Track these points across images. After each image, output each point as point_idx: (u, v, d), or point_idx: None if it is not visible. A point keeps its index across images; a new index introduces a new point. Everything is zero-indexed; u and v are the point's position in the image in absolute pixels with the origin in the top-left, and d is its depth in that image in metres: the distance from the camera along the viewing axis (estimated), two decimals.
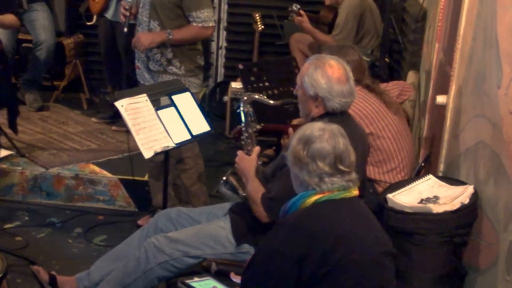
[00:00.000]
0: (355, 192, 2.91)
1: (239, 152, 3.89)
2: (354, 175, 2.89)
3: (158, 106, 4.28)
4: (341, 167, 2.83)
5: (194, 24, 4.96)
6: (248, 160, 3.81)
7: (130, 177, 5.30)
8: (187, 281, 3.36)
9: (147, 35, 4.97)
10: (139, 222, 5.23)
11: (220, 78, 8.22)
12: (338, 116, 3.53)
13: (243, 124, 4.06)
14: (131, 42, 5.08)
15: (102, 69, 7.42)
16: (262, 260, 2.81)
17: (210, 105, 7.68)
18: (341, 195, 2.84)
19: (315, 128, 2.89)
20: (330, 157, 2.82)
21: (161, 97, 4.36)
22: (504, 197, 3.02)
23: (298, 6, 6.59)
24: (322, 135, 2.85)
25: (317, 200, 2.83)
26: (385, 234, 2.95)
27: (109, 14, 6.77)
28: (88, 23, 7.40)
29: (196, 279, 3.41)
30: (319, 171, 2.82)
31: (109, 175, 5.75)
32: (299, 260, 2.70)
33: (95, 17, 7.10)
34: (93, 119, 7.06)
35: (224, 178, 4.11)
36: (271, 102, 4.07)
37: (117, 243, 4.29)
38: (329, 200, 2.83)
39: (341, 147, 2.84)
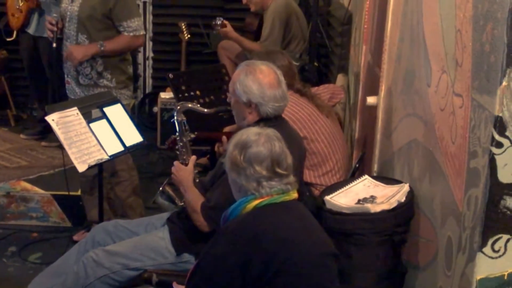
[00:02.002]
0: (295, 195, 2.92)
1: (176, 163, 3.86)
2: (292, 178, 2.91)
3: (89, 119, 4.26)
4: (279, 170, 2.85)
5: (126, 33, 4.92)
6: (185, 170, 3.79)
7: (64, 193, 5.22)
8: None
9: (79, 48, 4.89)
10: (75, 237, 5.16)
11: (148, 89, 8.18)
12: (272, 121, 3.54)
13: (177, 134, 4.04)
14: (60, 57, 5.01)
15: (28, 85, 7.29)
16: (206, 268, 2.81)
17: (140, 117, 7.62)
18: (281, 198, 2.85)
19: (251, 132, 2.91)
20: (267, 161, 2.83)
21: (92, 109, 4.33)
22: (440, 193, 3.07)
23: (221, 19, 6.57)
24: (258, 139, 2.86)
25: (257, 205, 2.83)
26: (326, 235, 2.98)
27: (31, 29, 6.66)
28: (8, 39, 7.26)
29: None
30: (257, 175, 2.83)
31: (41, 191, 5.64)
32: (243, 266, 2.70)
33: (15, 33, 6.99)
34: (22, 136, 6.95)
35: (161, 188, 4.09)
36: (205, 110, 4.05)
37: (53, 260, 4.23)
38: (270, 204, 2.83)
39: (277, 150, 2.86)
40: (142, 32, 5.02)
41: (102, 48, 4.86)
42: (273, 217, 2.82)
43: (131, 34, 4.93)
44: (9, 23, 6.91)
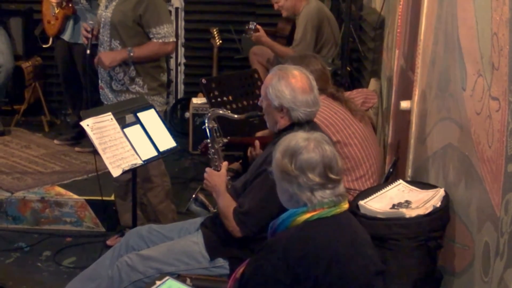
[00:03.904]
0: (345, 205, 2.85)
1: (208, 169, 3.87)
2: (342, 188, 2.82)
3: (123, 124, 4.27)
4: (331, 176, 2.76)
5: (155, 40, 4.94)
6: (218, 176, 3.80)
7: (97, 198, 5.25)
8: None
9: (108, 54, 4.94)
10: (108, 242, 5.19)
11: (180, 95, 8.20)
12: (304, 125, 3.53)
13: (209, 140, 4.04)
14: (94, 63, 5.04)
15: (62, 91, 7.35)
16: (254, 284, 2.75)
17: (171, 122, 7.65)
18: (332, 212, 2.77)
19: (299, 138, 2.81)
20: (320, 167, 2.74)
21: (126, 115, 4.34)
22: (476, 198, 3.03)
23: (255, 23, 6.59)
24: (308, 145, 2.77)
25: (308, 219, 2.75)
26: (375, 251, 2.93)
27: (66, 36, 6.72)
28: (44, 46, 7.36)
29: None
30: (310, 182, 2.74)
31: (75, 196, 5.69)
32: (292, 284, 2.65)
33: (51, 39, 7.06)
34: (56, 141, 7.00)
35: (194, 195, 4.09)
36: (236, 116, 4.03)
37: (87, 265, 4.26)
38: (320, 218, 2.76)
39: (329, 155, 2.77)
40: (172, 39, 5.02)
41: (131, 54, 4.88)
42: (323, 234, 2.75)
43: (160, 40, 4.95)
44: (45, 30, 6.98)
